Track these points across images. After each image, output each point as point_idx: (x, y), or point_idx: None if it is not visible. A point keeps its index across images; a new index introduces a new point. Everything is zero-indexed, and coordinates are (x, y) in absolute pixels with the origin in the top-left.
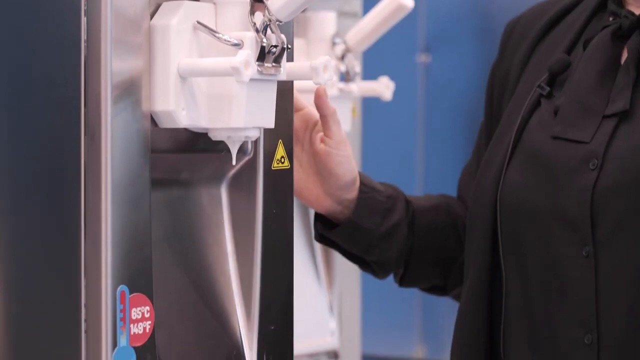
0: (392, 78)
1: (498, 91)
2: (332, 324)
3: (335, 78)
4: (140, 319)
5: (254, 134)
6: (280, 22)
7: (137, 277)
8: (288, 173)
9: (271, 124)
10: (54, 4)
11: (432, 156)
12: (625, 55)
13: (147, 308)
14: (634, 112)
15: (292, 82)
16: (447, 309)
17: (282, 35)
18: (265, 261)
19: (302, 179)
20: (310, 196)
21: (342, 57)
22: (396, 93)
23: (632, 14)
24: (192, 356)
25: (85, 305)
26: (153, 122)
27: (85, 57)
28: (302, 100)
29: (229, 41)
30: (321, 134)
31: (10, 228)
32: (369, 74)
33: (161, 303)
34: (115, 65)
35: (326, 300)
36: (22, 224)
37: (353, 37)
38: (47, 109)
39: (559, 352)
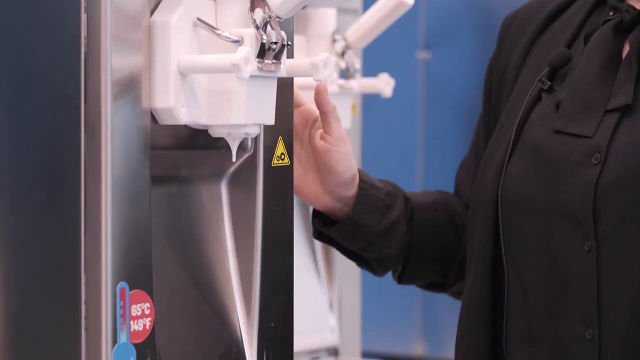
0: (392, 75)
1: (496, 86)
2: (332, 321)
3: (335, 75)
4: (141, 315)
5: (254, 131)
6: (281, 18)
7: (137, 274)
8: (288, 170)
9: (271, 121)
10: (54, 1)
11: (432, 153)
12: (626, 49)
13: (147, 305)
14: (636, 107)
15: (292, 79)
16: (447, 306)
17: (282, 32)
18: (265, 258)
19: (301, 176)
20: (309, 193)
21: (342, 54)
22: (396, 90)
23: (633, 8)
24: (192, 353)
25: (86, 302)
26: (153, 118)
27: (85, 53)
28: (301, 96)
29: (229, 38)
30: (321, 130)
31: (11, 225)
32: (369, 70)
33: (161, 300)
34: (115, 62)
35: (326, 297)
36: (22, 221)
37: (353, 34)
38: (47, 106)
39: (560, 347)
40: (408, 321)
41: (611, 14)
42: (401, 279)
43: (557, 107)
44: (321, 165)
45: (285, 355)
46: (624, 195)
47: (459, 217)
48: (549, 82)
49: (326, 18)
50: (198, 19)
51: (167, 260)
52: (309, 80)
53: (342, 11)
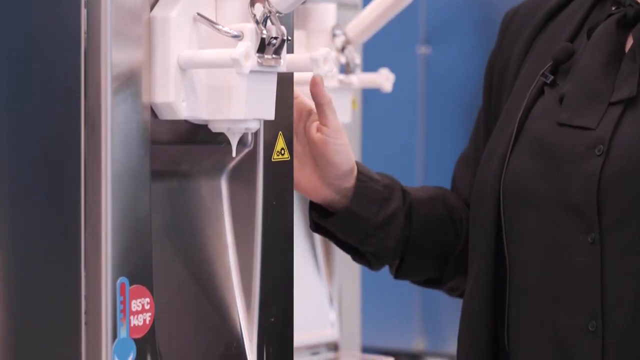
0: (392, 70)
1: (497, 81)
2: (332, 316)
3: (335, 70)
4: (140, 310)
5: (254, 126)
6: (281, 13)
7: (137, 269)
8: (288, 165)
9: (271, 116)
10: None
11: (432, 148)
12: (629, 43)
13: (147, 300)
14: (639, 99)
15: (292, 74)
16: (447, 301)
17: (282, 27)
18: (265, 253)
19: (298, 170)
20: (307, 186)
21: (342, 49)
22: (396, 85)
23: (637, 2)
24: (192, 348)
25: (86, 297)
26: (153, 113)
27: (85, 48)
28: (295, 89)
29: (229, 33)
30: (316, 123)
31: (11, 221)
32: (369, 65)
33: (161, 295)
34: (115, 56)
35: (326, 292)
36: (22, 216)
37: (353, 29)
38: (48, 100)
39: (563, 340)
40: (408, 316)
41: (614, 8)
42: (398, 273)
43: (561, 100)
44: (318, 157)
45: (285, 350)
46: (628, 186)
47: (458, 213)
48: (552, 76)
49: (326, 13)
50: (198, 14)
51: (167, 255)
52: (308, 76)
53: (342, 6)
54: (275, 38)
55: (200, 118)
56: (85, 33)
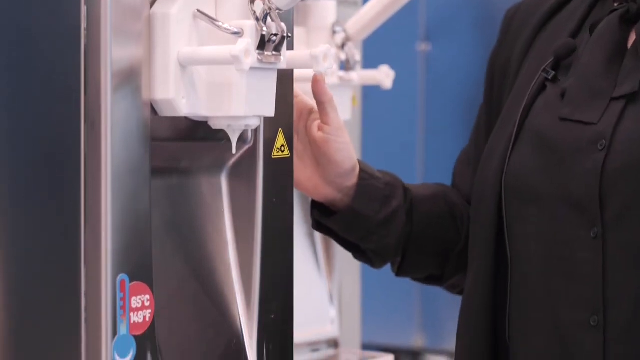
0: (393, 67)
1: (498, 78)
2: (332, 313)
3: (335, 67)
4: (140, 307)
5: (254, 123)
6: (281, 10)
7: (137, 266)
8: (288, 161)
9: (271, 113)
10: None
11: (432, 144)
12: (632, 39)
13: (147, 297)
14: None
15: (292, 71)
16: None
17: (282, 24)
18: (265, 250)
19: (300, 169)
20: (308, 185)
21: (343, 46)
22: (396, 82)
23: None
24: (192, 345)
25: (86, 294)
26: (153, 110)
27: (85, 45)
28: (295, 88)
29: (229, 30)
30: (317, 121)
31: (11, 218)
32: (369, 62)
33: (161, 292)
34: (115, 53)
35: (326, 289)
36: (23, 213)
37: (353, 26)
38: (48, 97)
39: (564, 335)
40: (408, 313)
41: (616, 4)
42: (400, 271)
43: (563, 95)
44: (320, 156)
45: (285, 347)
46: (630, 181)
47: (459, 210)
48: (553, 72)
49: (326, 10)
50: (198, 10)
51: (167, 252)
52: (308, 73)
53: (342, 3)
54: (275, 35)
55: (200, 115)
56: (85, 30)
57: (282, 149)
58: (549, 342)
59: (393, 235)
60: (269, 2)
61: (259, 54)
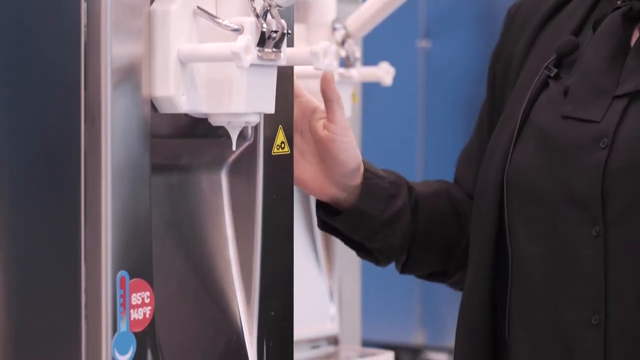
0: (392, 63)
1: (500, 74)
2: (332, 310)
3: (335, 63)
4: (141, 304)
5: (254, 120)
6: (281, 7)
7: (137, 263)
8: (288, 158)
9: (271, 110)
10: None
11: (432, 141)
12: (635, 36)
13: (147, 293)
14: None
15: (292, 68)
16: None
17: (283, 21)
18: (265, 247)
19: (305, 169)
20: (314, 185)
21: (343, 43)
22: (396, 78)
23: None
24: (192, 342)
25: (86, 291)
26: (153, 107)
27: (85, 42)
28: (299, 87)
29: (229, 26)
30: (322, 120)
31: (10, 214)
32: (369, 59)
33: (161, 288)
34: (115, 50)
35: (326, 286)
36: (22, 210)
37: (353, 23)
38: (48, 94)
39: (564, 333)
40: (408, 310)
41: (619, 2)
42: (404, 268)
43: (565, 93)
44: (325, 155)
45: (285, 344)
46: (632, 180)
47: (462, 206)
48: (556, 69)
49: (326, 6)
50: (198, 7)
51: (167, 249)
52: (309, 69)
53: (342, 0)
54: (276, 32)
55: (200, 112)
56: (85, 27)
57: (282, 145)
58: (549, 340)
59: (398, 234)
60: None
61: (259, 50)
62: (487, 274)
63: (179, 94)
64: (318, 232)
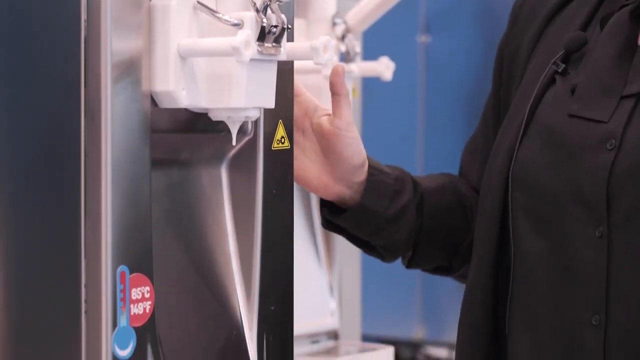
0: (393, 58)
1: (507, 67)
2: (332, 305)
3: (335, 58)
4: (141, 299)
5: (254, 114)
6: (281, 2)
7: (137, 258)
8: (288, 153)
9: (271, 104)
10: None
11: (432, 136)
12: None
13: (147, 288)
14: None
15: (292, 63)
16: (447, 290)
17: (283, 16)
18: (265, 242)
19: (309, 167)
20: (317, 184)
21: (343, 38)
22: (396, 73)
23: None
24: (192, 336)
25: (85, 286)
26: (153, 102)
27: (85, 36)
28: (299, 86)
29: (229, 21)
30: (325, 117)
31: (11, 209)
32: (369, 54)
33: (161, 283)
34: (115, 45)
35: (326, 280)
36: (22, 205)
37: (353, 17)
38: (47, 89)
39: (564, 332)
40: (408, 305)
41: None
42: (410, 263)
43: (573, 91)
44: (329, 151)
45: (285, 338)
46: (638, 183)
47: (467, 200)
48: (564, 65)
49: (326, 1)
50: (198, 2)
51: (167, 243)
52: (309, 64)
53: None
54: (276, 26)
55: (200, 106)
56: (85, 21)
57: (282, 140)
58: (549, 338)
59: (403, 230)
60: None
61: (259, 45)
62: (490, 271)
63: (179, 89)
64: (318, 227)
